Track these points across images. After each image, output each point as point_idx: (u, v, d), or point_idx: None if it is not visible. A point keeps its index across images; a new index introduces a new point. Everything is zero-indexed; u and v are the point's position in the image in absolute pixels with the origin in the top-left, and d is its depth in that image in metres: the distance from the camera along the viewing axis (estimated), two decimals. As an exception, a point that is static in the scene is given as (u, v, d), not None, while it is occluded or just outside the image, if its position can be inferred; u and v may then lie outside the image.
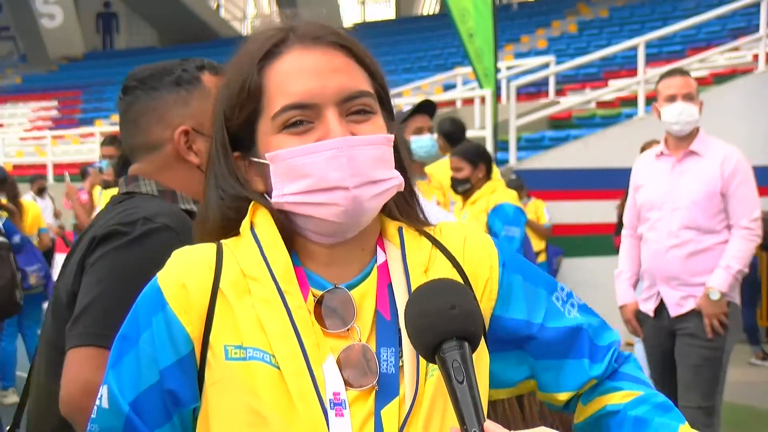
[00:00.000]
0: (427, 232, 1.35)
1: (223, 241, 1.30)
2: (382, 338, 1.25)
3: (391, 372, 1.23)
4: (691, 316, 4.51)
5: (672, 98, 4.55)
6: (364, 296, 1.28)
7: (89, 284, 1.86)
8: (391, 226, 1.33)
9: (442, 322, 1.13)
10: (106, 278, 1.84)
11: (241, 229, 1.29)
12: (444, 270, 1.31)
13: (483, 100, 10.61)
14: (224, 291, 1.25)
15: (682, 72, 4.81)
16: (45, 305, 8.44)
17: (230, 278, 1.25)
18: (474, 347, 1.15)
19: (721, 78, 12.68)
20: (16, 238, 6.95)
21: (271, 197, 1.28)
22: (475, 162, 5.59)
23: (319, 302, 1.26)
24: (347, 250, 1.29)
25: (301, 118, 1.25)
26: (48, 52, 30.52)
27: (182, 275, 1.26)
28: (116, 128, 18.85)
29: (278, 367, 1.20)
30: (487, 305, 1.33)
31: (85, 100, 27.14)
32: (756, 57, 12.23)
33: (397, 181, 1.28)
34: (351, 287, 1.28)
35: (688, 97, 4.55)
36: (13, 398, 7.74)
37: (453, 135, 6.48)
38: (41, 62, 30.60)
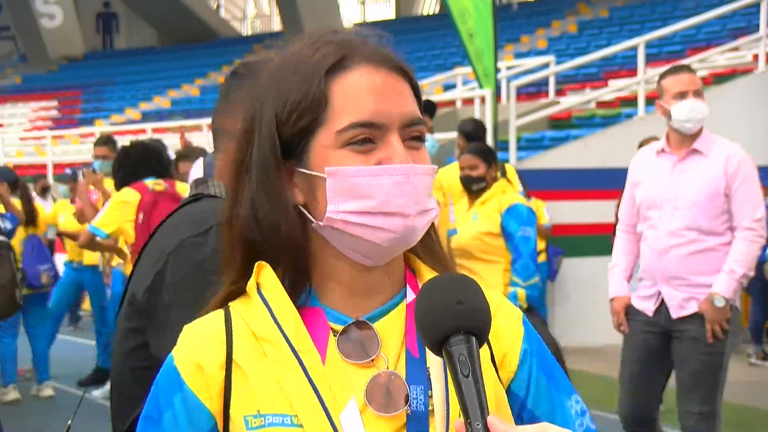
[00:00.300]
0: None
1: (231, 305, 1.29)
2: (411, 376, 1.24)
3: (420, 410, 1.23)
4: (693, 319, 4.42)
5: (682, 95, 4.45)
6: (390, 329, 1.27)
7: (174, 304, 1.87)
8: (425, 270, 1.32)
9: (450, 317, 1.13)
10: (191, 301, 1.86)
11: (248, 290, 1.27)
12: None
13: (483, 100, 10.60)
14: (238, 362, 1.24)
15: (689, 69, 4.71)
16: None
17: (243, 346, 1.25)
18: (481, 342, 1.15)
19: (721, 78, 12.68)
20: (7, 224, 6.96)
21: (309, 212, 1.26)
22: (489, 160, 5.58)
23: (341, 334, 1.25)
24: (377, 276, 1.28)
25: (368, 137, 1.23)
26: (48, 52, 30.53)
27: (195, 354, 1.26)
28: (115, 128, 18.81)
29: (301, 426, 1.20)
30: (505, 376, 1.31)
31: (85, 100, 27.16)
32: (756, 57, 12.24)
33: (436, 211, 1.28)
34: (373, 319, 1.27)
35: (698, 94, 4.47)
36: (13, 395, 7.68)
37: (474, 135, 6.53)
38: (41, 62, 30.61)
